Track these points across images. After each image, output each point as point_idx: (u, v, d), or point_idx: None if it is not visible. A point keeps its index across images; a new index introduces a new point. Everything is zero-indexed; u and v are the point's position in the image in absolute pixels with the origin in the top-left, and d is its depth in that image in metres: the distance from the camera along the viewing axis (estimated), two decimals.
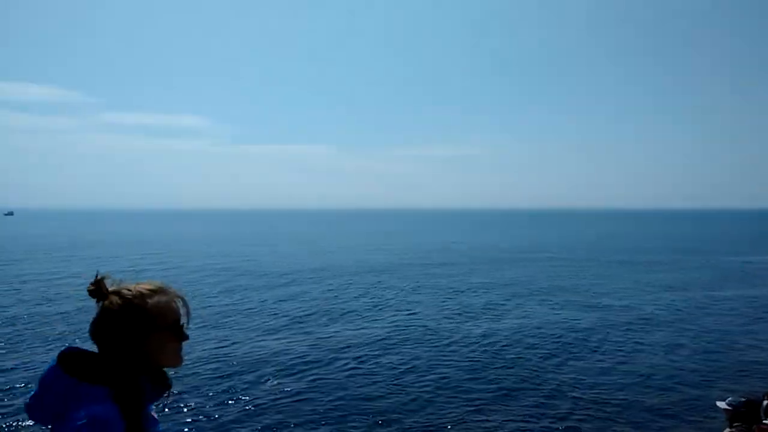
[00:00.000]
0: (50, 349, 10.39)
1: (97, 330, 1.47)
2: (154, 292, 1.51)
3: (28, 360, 9.73)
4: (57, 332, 11.85)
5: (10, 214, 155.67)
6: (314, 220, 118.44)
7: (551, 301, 16.23)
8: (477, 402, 7.90)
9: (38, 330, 12.05)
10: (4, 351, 10.33)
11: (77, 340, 11.01)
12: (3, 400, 7.87)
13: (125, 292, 1.48)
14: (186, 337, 1.53)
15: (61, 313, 14.05)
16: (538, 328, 12.58)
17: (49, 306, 14.93)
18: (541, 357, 10.17)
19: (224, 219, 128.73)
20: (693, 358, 10.15)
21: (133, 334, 1.45)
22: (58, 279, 20.60)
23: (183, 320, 1.54)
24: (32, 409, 1.46)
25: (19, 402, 7.59)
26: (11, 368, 9.27)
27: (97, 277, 1.50)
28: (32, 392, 1.45)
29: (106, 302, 1.48)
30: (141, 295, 1.49)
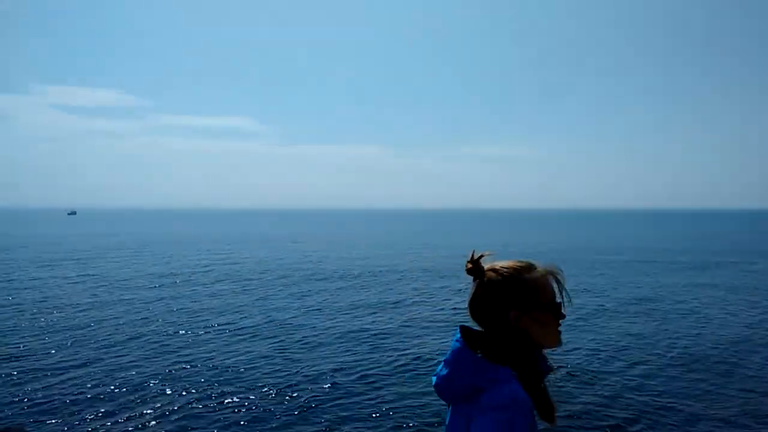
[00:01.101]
0: (119, 345, 10.28)
1: (478, 307, 1.50)
2: (527, 268, 1.50)
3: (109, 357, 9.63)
4: (126, 323, 11.79)
5: (73, 213, 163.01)
6: (362, 220, 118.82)
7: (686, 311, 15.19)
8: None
9: (116, 321, 12.05)
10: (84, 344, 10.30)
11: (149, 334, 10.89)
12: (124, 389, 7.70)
13: (501, 269, 1.49)
14: (563, 316, 1.51)
15: (138, 304, 14.10)
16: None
17: (129, 297, 15.04)
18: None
19: (273, 219, 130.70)
20: None
21: (514, 309, 1.45)
22: (130, 274, 21.04)
23: (558, 298, 1.52)
24: (442, 388, 1.48)
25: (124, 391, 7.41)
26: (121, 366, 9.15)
27: (473, 255, 1.52)
28: (441, 371, 1.48)
29: (485, 279, 1.49)
30: (517, 271, 1.49)
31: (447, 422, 1.51)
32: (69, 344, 10.77)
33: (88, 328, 12.11)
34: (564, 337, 1.54)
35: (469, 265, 1.51)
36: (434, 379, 1.50)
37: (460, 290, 18.03)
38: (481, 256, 1.51)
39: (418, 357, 9.90)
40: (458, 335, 1.49)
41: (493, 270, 1.49)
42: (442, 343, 10.91)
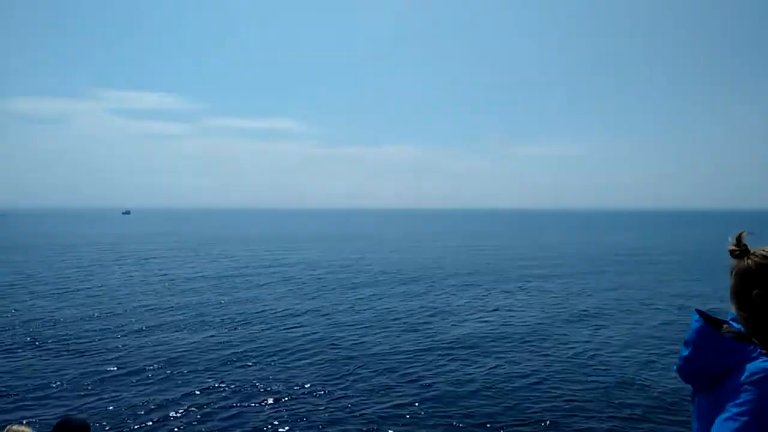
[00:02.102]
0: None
1: (739, 288, 1.49)
2: None
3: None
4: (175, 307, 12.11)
5: (128, 213, 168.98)
6: (408, 221, 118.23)
7: None
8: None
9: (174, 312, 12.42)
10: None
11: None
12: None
13: (763, 252, 1.49)
14: None
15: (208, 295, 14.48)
16: None
17: (189, 293, 15.46)
18: None
19: (318, 219, 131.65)
20: None
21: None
22: (188, 271, 21.70)
23: None
24: (685, 370, 1.49)
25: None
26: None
27: (739, 237, 1.53)
28: (683, 353, 1.49)
29: (749, 261, 1.48)
30: None
31: (694, 409, 1.51)
32: (134, 337, 11.14)
33: (152, 323, 12.47)
34: None
35: (734, 247, 1.51)
36: (678, 362, 1.50)
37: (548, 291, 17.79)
38: (742, 234, 1.52)
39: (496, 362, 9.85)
40: (696, 316, 1.49)
41: (756, 254, 1.47)
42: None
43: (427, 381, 8.55)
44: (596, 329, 12.22)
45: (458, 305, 15.24)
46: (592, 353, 10.17)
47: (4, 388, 8.13)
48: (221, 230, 65.23)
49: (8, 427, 3.97)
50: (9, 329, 11.80)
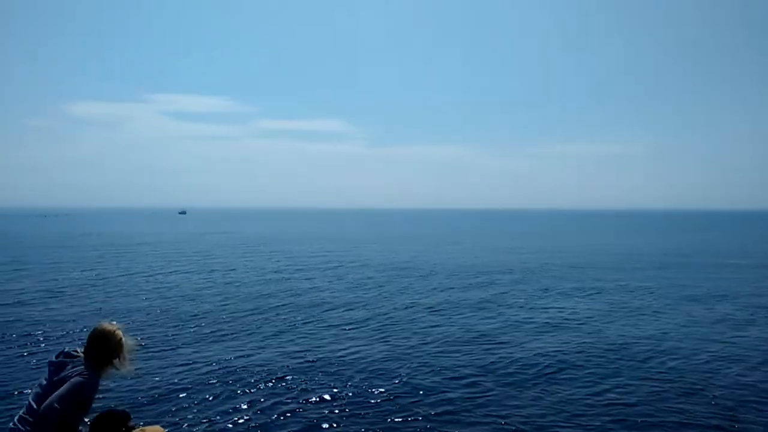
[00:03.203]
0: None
1: None
2: None
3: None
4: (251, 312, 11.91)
5: (183, 213, 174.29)
6: (452, 221, 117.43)
7: None
8: None
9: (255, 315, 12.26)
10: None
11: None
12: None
13: None
14: None
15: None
16: None
17: (248, 291, 15.41)
18: None
19: (368, 219, 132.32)
20: None
21: None
22: (248, 270, 21.82)
23: None
24: None
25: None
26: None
27: None
28: None
29: None
30: None
31: None
32: (190, 334, 11.06)
33: (212, 320, 12.44)
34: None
35: None
36: None
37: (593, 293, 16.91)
38: None
39: (524, 360, 9.18)
40: None
41: None
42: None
43: (476, 373, 8.08)
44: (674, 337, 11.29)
45: (521, 305, 14.57)
46: (662, 359, 9.48)
47: None
48: (275, 229, 66.19)
49: (140, 427, 3.82)
50: (83, 327, 11.85)
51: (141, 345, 10.31)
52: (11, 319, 12.54)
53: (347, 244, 40.47)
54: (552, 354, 9.94)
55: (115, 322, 4.00)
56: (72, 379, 3.47)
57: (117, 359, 3.86)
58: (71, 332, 11.30)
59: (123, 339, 3.91)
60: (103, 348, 3.78)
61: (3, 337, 10.84)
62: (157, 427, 3.78)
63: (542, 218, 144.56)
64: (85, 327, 11.74)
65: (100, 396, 7.54)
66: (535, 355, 9.89)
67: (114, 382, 8.19)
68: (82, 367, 3.61)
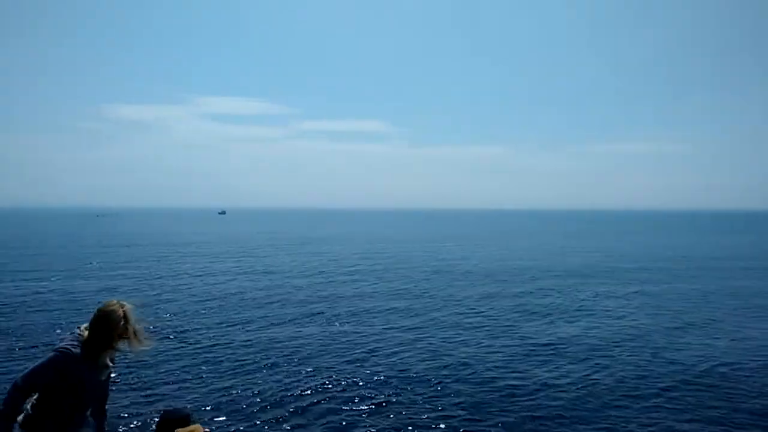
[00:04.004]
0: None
1: None
2: None
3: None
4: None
5: (223, 213, 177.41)
6: (490, 221, 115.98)
7: None
8: None
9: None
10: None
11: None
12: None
13: None
14: None
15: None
16: None
17: (290, 290, 15.40)
18: None
19: (408, 219, 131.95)
20: None
21: None
22: (290, 269, 21.85)
23: None
24: None
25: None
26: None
27: None
28: None
29: None
30: None
31: None
32: (240, 331, 11.02)
33: (257, 317, 12.43)
34: None
35: None
36: None
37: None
38: None
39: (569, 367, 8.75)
40: None
41: None
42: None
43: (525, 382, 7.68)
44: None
45: (572, 307, 14.08)
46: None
47: (133, 378, 8.19)
48: (316, 230, 66.57)
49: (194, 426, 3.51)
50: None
51: (191, 342, 10.38)
52: (73, 317, 12.81)
53: (389, 245, 40.33)
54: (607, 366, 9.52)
55: (121, 300, 3.52)
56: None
57: (121, 339, 3.38)
58: None
59: (128, 317, 3.41)
60: (100, 328, 3.30)
61: (60, 335, 11.05)
62: (198, 426, 3.48)
63: (590, 218, 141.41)
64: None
65: (126, 387, 7.52)
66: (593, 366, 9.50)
67: (163, 376, 8.20)
68: (63, 344, 3.26)
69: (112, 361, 3.51)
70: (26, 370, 3.17)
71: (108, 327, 3.31)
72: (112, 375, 3.71)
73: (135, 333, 3.45)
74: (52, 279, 19.10)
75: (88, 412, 3.44)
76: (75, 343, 3.25)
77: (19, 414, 3.16)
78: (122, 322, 3.36)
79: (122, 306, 3.42)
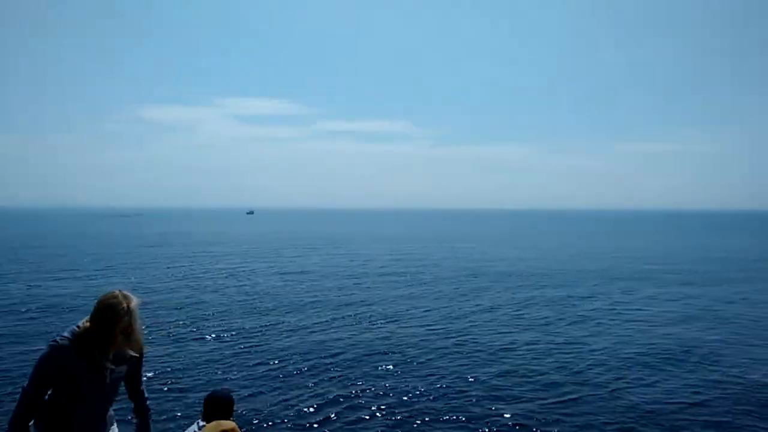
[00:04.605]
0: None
1: None
2: None
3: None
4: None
5: (251, 213, 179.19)
6: (514, 221, 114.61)
7: None
8: None
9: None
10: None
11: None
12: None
13: None
14: None
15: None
16: None
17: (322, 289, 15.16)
18: None
19: (431, 219, 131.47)
20: None
21: None
22: (324, 268, 21.69)
23: None
24: None
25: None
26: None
27: None
28: None
29: None
30: None
31: None
32: (278, 333, 10.78)
33: (292, 316, 12.22)
34: None
35: None
36: None
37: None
38: None
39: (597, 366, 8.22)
40: None
41: None
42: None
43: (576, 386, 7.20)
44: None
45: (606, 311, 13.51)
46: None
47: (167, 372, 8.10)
48: (344, 230, 66.64)
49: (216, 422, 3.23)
50: (177, 324, 11.89)
51: (223, 340, 10.20)
52: None
53: (416, 245, 40.02)
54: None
55: (125, 291, 3.05)
56: None
57: (123, 336, 2.97)
58: (160, 327, 11.31)
59: (132, 311, 2.98)
60: (100, 321, 2.92)
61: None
62: (230, 422, 3.22)
63: (613, 219, 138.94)
64: (174, 321, 11.80)
65: (163, 388, 7.33)
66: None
67: (198, 377, 8.00)
68: (55, 337, 2.95)
69: (118, 359, 3.07)
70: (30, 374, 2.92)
71: (109, 321, 2.91)
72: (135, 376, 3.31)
73: (136, 332, 3.03)
74: (83, 278, 19.26)
75: (101, 413, 3.08)
76: (68, 336, 2.93)
77: (32, 419, 2.92)
78: (126, 317, 2.94)
79: (126, 298, 2.98)
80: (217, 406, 3.35)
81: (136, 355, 3.17)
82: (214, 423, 3.12)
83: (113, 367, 3.03)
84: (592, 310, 13.99)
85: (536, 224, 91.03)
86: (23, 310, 13.17)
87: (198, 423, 3.32)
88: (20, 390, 2.92)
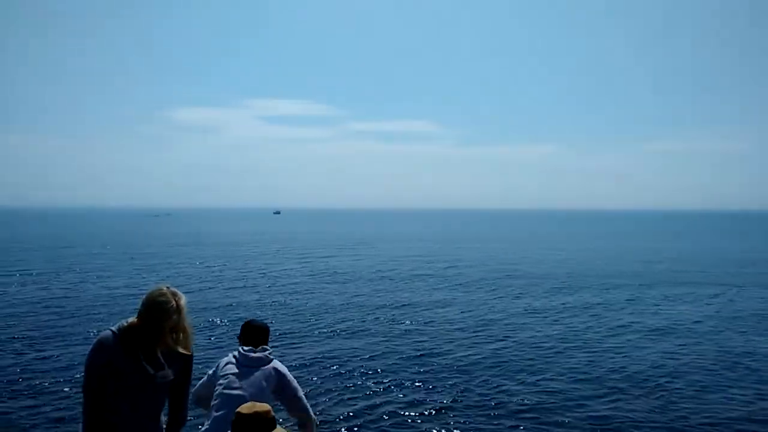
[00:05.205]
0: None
1: None
2: None
3: None
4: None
5: (278, 213, 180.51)
6: (543, 222, 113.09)
7: None
8: None
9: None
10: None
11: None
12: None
13: None
14: None
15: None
16: None
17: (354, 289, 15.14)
18: None
19: (458, 219, 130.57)
20: None
21: None
22: (349, 268, 21.74)
23: None
24: None
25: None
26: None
27: None
28: None
29: None
30: None
31: None
32: (306, 328, 10.85)
33: (327, 316, 12.22)
34: None
35: None
36: None
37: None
38: None
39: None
40: None
41: None
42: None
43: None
44: None
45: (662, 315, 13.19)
46: None
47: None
48: (372, 230, 66.63)
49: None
50: (215, 323, 11.99)
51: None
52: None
53: (445, 245, 39.79)
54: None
55: (172, 288, 2.92)
56: None
57: (172, 334, 2.88)
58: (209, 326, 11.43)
59: (182, 309, 2.88)
60: (149, 318, 2.83)
61: None
62: (265, 405, 3.16)
63: (645, 219, 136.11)
64: (212, 321, 11.92)
65: None
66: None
67: None
68: (99, 335, 2.89)
69: (168, 359, 2.96)
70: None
71: (158, 318, 2.83)
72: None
73: (186, 330, 2.95)
74: (122, 278, 19.59)
75: (150, 413, 2.98)
76: (114, 331, 2.88)
77: (101, 414, 2.88)
78: (175, 315, 2.87)
79: (174, 295, 2.90)
80: (253, 332, 3.59)
81: (187, 353, 3.05)
82: (249, 404, 3.08)
83: (163, 364, 2.94)
84: (640, 314, 13.71)
85: (567, 225, 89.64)
86: (66, 308, 13.46)
87: (240, 348, 3.50)
88: (80, 389, 2.90)
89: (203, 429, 3.24)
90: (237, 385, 3.30)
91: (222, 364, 3.47)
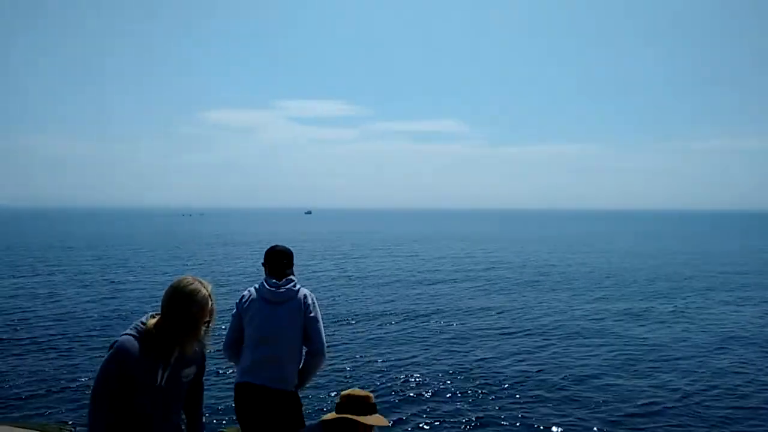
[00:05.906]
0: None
1: None
2: None
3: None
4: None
5: (309, 213, 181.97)
6: (581, 221, 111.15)
7: None
8: None
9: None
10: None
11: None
12: None
13: None
14: None
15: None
16: None
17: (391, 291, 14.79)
18: None
19: (491, 219, 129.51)
20: None
21: None
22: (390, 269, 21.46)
23: None
24: None
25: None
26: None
27: None
28: None
29: None
30: None
31: None
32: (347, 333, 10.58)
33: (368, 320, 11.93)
34: None
35: None
36: None
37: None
38: None
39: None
40: None
41: None
42: None
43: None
44: None
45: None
46: None
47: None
48: (403, 229, 66.43)
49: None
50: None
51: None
52: None
53: (479, 245, 39.30)
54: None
55: (200, 278, 2.63)
56: None
57: (199, 327, 2.56)
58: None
59: (209, 301, 2.56)
60: (180, 312, 2.51)
61: None
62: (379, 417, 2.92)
63: (684, 220, 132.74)
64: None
65: None
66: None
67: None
68: (118, 338, 2.57)
69: (188, 357, 2.67)
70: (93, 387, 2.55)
71: (189, 309, 2.51)
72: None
73: (208, 322, 2.62)
74: (161, 274, 19.73)
75: (176, 415, 2.77)
76: (134, 334, 2.56)
77: (110, 422, 2.56)
78: (209, 304, 2.56)
79: (202, 284, 2.59)
80: (278, 257, 3.54)
81: (205, 347, 2.77)
82: (349, 390, 2.96)
83: (189, 362, 2.68)
84: (692, 319, 13.05)
85: (605, 225, 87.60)
86: (114, 306, 13.60)
87: (265, 282, 3.45)
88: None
89: (236, 379, 3.38)
90: (267, 333, 3.34)
91: (246, 301, 3.45)
